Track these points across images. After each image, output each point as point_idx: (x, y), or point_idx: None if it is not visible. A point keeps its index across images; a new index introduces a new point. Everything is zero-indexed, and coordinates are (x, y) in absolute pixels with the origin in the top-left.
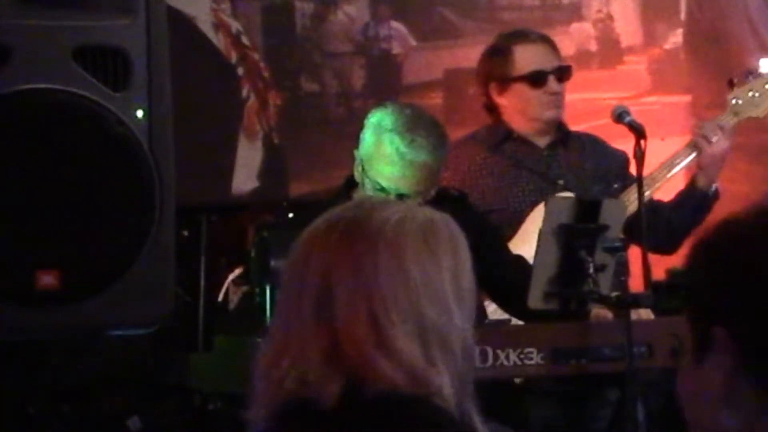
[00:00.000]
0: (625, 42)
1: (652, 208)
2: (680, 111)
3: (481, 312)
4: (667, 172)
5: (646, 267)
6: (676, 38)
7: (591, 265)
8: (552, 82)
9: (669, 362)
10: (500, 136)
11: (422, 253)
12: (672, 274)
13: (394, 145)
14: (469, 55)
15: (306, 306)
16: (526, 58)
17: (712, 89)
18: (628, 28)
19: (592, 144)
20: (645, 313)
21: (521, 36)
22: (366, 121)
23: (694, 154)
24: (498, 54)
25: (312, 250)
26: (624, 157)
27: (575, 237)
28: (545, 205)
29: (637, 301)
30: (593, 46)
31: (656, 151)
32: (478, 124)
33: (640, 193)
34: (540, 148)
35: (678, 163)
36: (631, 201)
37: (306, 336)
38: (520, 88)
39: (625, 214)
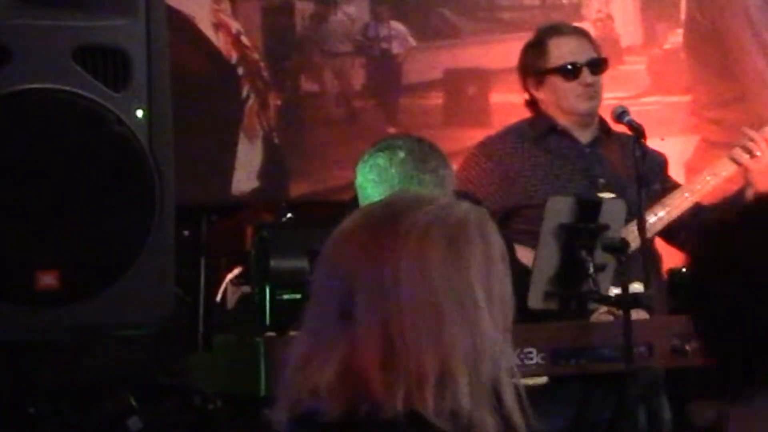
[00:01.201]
0: (625, 42)
1: (694, 212)
2: (680, 111)
3: None
4: (710, 181)
5: (647, 268)
6: (676, 38)
7: (591, 265)
8: (585, 74)
9: (669, 362)
10: (543, 129)
11: (449, 262)
12: (672, 274)
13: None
14: (469, 55)
15: (331, 310)
16: (560, 50)
17: (712, 89)
18: (628, 28)
19: (632, 144)
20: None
21: (556, 29)
22: (361, 168)
23: (735, 166)
24: (534, 48)
25: (340, 250)
26: (662, 159)
27: (575, 237)
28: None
29: (636, 301)
30: None
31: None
32: (478, 124)
33: (640, 194)
34: (581, 144)
35: (722, 174)
36: (674, 205)
37: (330, 342)
38: (555, 81)
39: (625, 213)
